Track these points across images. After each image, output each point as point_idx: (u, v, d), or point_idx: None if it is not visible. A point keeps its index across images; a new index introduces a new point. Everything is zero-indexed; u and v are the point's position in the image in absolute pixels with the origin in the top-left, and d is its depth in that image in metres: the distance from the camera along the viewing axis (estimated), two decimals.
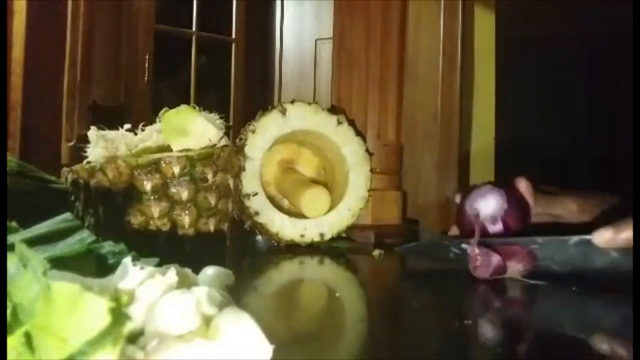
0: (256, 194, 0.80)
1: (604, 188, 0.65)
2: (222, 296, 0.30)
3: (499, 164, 1.75)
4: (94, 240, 0.36)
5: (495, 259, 0.59)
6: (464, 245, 0.62)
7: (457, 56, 2.01)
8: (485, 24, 2.00)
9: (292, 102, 0.83)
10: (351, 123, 0.86)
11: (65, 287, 0.25)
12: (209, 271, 0.35)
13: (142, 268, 0.30)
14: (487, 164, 1.82)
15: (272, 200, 0.84)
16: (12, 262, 0.27)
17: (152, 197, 0.67)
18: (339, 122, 0.84)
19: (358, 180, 0.85)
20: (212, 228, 0.71)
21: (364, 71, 1.06)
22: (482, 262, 0.60)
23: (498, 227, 0.62)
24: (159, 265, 0.31)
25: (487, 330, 0.46)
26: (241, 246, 0.88)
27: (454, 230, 0.67)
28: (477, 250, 0.60)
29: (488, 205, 0.63)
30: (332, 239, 0.83)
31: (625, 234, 0.55)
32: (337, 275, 0.74)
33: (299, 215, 0.83)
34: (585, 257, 0.58)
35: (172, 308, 0.27)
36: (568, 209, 0.64)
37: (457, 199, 0.66)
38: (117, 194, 0.66)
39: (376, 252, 0.77)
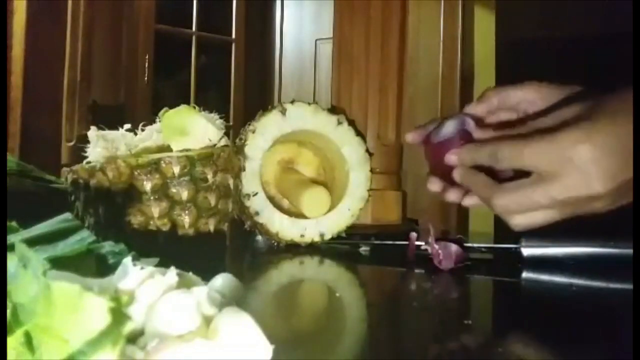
0: (256, 194, 0.80)
1: None
2: (222, 296, 0.30)
3: None
4: (94, 240, 0.36)
5: (454, 248, 0.65)
6: (423, 247, 0.67)
7: (457, 56, 2.01)
8: (485, 24, 2.01)
9: (292, 102, 0.83)
10: (351, 123, 0.86)
11: (65, 287, 0.25)
12: (218, 282, 0.35)
13: (142, 268, 0.30)
14: None
15: (272, 200, 0.84)
16: (12, 262, 0.27)
17: (152, 197, 0.67)
18: (339, 122, 0.84)
19: (358, 180, 0.85)
20: (212, 228, 0.71)
21: (363, 71, 1.06)
22: (444, 254, 0.65)
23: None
24: (159, 265, 0.31)
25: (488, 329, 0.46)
26: (241, 246, 0.88)
27: (432, 182, 0.62)
28: (436, 246, 0.65)
29: (448, 127, 0.59)
30: (332, 239, 0.83)
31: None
32: (337, 275, 0.74)
33: (299, 215, 0.83)
34: None
35: (172, 308, 0.27)
36: (526, 97, 0.60)
37: (410, 137, 0.63)
38: (117, 194, 0.66)
39: (363, 249, 0.80)
